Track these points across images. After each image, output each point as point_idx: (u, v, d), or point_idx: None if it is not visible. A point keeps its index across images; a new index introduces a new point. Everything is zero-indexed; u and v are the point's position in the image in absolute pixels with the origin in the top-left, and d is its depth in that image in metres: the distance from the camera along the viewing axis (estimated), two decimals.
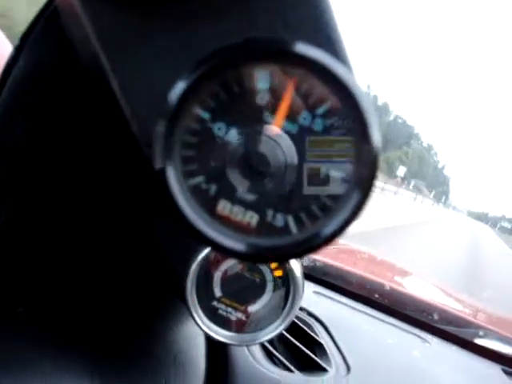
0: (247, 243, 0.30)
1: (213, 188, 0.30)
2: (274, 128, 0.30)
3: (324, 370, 0.72)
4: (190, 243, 0.51)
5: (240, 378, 0.63)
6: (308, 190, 0.30)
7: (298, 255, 0.31)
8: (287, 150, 0.30)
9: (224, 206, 0.30)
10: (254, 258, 0.31)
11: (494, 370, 1.03)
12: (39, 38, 0.44)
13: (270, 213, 0.30)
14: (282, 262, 0.35)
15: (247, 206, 0.30)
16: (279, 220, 0.30)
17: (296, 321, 0.82)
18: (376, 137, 0.29)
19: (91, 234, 0.54)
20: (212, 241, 0.30)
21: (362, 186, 0.29)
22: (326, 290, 1.10)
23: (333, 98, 0.29)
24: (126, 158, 0.43)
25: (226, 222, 0.30)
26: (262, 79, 0.29)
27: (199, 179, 0.30)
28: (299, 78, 0.29)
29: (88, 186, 0.50)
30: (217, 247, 0.30)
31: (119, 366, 0.54)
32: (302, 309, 0.88)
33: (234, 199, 0.30)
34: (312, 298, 1.03)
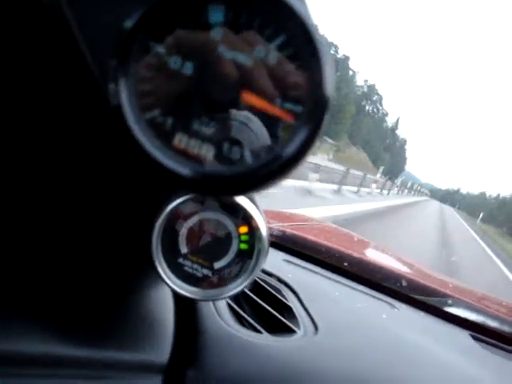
0: (195, 169, 0.30)
1: (169, 121, 0.30)
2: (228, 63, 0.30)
3: (292, 331, 0.73)
4: (154, 199, 0.51)
5: (208, 338, 0.64)
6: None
7: (251, 185, 0.32)
8: (242, 83, 0.30)
9: (180, 139, 0.30)
10: (202, 185, 0.31)
11: (462, 334, 1.06)
12: None
13: (226, 146, 0.31)
14: (236, 193, 0.35)
15: (203, 139, 0.31)
16: (235, 152, 0.31)
17: (265, 285, 0.83)
18: (328, 70, 0.30)
19: (56, 195, 0.54)
20: (162, 166, 0.30)
21: (313, 120, 0.30)
22: (296, 258, 1.11)
23: (287, 31, 0.30)
24: (85, 98, 0.43)
25: (182, 155, 0.30)
26: (215, 13, 0.30)
27: (155, 113, 0.30)
28: (253, 11, 0.30)
29: (50, 140, 0.50)
30: (165, 172, 0.30)
31: (87, 329, 0.54)
32: (271, 275, 0.89)
33: (191, 132, 0.30)
34: (282, 266, 1.03)
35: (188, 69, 0.30)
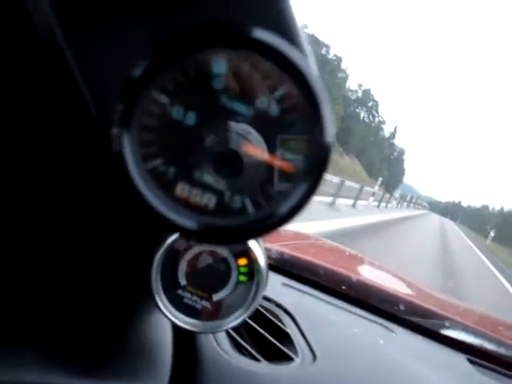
0: (199, 221, 0.31)
1: (171, 171, 0.31)
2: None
3: (290, 358, 0.73)
4: (154, 232, 0.51)
5: (207, 367, 0.64)
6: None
7: (253, 235, 0.32)
8: (244, 136, 0.31)
9: (182, 188, 0.31)
10: (206, 236, 0.31)
11: (460, 359, 1.05)
12: None
13: (227, 194, 0.31)
14: (238, 242, 0.36)
15: (205, 188, 0.31)
16: (237, 201, 0.31)
17: (264, 311, 0.83)
18: (329, 127, 0.30)
19: (53, 223, 0.54)
20: (165, 218, 0.30)
21: (313, 174, 0.30)
22: (294, 281, 1.10)
23: (288, 83, 0.30)
24: (86, 143, 0.43)
25: (184, 204, 0.31)
26: (218, 64, 0.30)
27: (157, 162, 0.31)
28: (255, 63, 0.30)
29: (46, 174, 0.50)
30: (169, 224, 0.30)
31: (86, 358, 0.54)
32: (269, 300, 0.89)
33: (193, 181, 0.31)
34: (280, 290, 1.03)
35: (190, 119, 0.30)
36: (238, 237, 0.32)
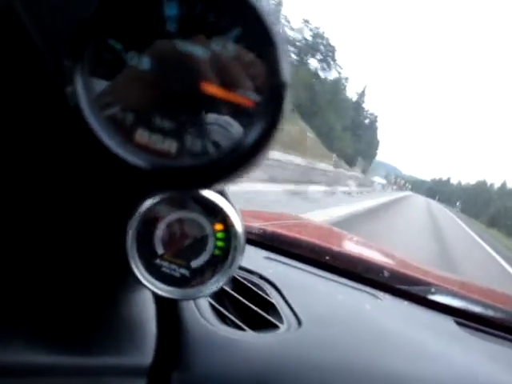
0: (156, 163, 0.30)
1: (130, 117, 0.30)
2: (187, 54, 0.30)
3: (276, 326, 0.74)
4: (128, 201, 0.51)
5: (191, 339, 0.64)
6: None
7: (214, 176, 0.32)
8: (201, 76, 0.30)
9: (142, 134, 0.31)
10: (164, 178, 0.31)
11: (447, 321, 1.06)
12: None
13: (189, 138, 0.31)
14: (201, 185, 0.35)
15: (165, 133, 0.31)
16: (198, 144, 0.31)
17: (247, 283, 0.83)
18: (285, 65, 0.30)
19: (25, 200, 0.54)
20: (121, 160, 0.30)
21: (272, 107, 0.30)
22: (277, 255, 1.11)
23: (242, 23, 0.30)
24: (45, 98, 0.43)
25: (145, 150, 0.31)
26: (170, 6, 0.30)
27: (115, 109, 0.30)
28: (208, 4, 0.30)
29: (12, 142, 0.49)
30: (125, 166, 0.30)
31: (68, 336, 0.54)
32: (252, 272, 0.89)
33: (152, 127, 0.31)
34: (263, 263, 1.03)
35: (145, 64, 0.30)
36: (198, 180, 0.32)
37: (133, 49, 0.30)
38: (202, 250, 0.53)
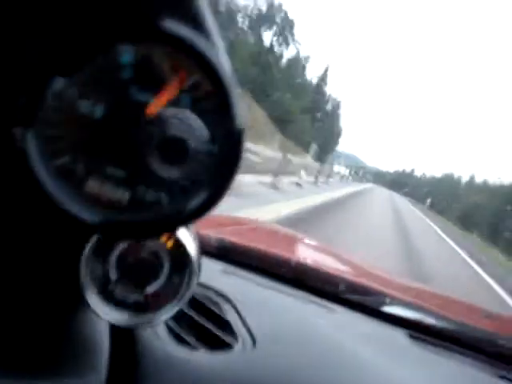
0: (105, 216, 0.30)
1: (81, 167, 0.30)
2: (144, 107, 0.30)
3: (230, 346, 0.74)
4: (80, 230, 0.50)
5: (145, 359, 0.63)
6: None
7: (167, 228, 0.31)
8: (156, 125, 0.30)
9: (93, 184, 0.30)
10: (113, 231, 0.31)
11: (400, 334, 1.07)
12: None
13: (141, 188, 0.30)
14: (152, 236, 0.35)
15: (118, 183, 0.30)
16: (151, 195, 0.30)
17: (202, 300, 0.83)
18: (238, 115, 0.30)
19: None
20: (70, 214, 0.29)
21: (228, 162, 0.30)
22: (234, 268, 1.10)
23: (196, 73, 0.30)
24: None
25: (96, 200, 0.30)
26: (126, 54, 0.29)
27: (66, 159, 0.29)
28: (163, 53, 0.29)
29: None
30: (74, 220, 0.29)
31: (18, 359, 0.52)
32: (209, 288, 0.89)
33: (104, 177, 0.30)
34: (220, 277, 1.03)
35: (98, 112, 0.29)
36: (150, 231, 0.32)
37: (85, 96, 0.29)
38: (157, 276, 0.53)
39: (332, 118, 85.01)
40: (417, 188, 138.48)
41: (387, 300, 1.16)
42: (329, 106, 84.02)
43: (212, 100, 0.30)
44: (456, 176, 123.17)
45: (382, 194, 57.58)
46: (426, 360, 1.00)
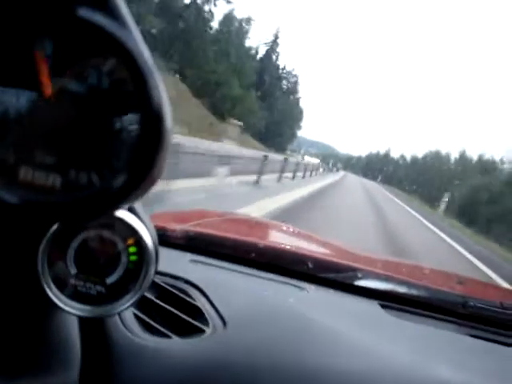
0: (24, 196, 0.31)
1: (11, 157, 0.31)
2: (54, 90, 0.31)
3: (202, 330, 0.75)
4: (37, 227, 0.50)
5: (116, 352, 0.64)
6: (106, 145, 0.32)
7: (95, 208, 0.33)
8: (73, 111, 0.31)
9: (26, 173, 0.31)
10: (36, 212, 0.31)
11: (371, 306, 1.09)
12: None
13: (72, 172, 0.31)
14: (91, 216, 0.36)
15: (49, 168, 0.31)
16: (82, 178, 0.31)
17: (171, 289, 0.84)
18: (158, 100, 0.31)
19: None
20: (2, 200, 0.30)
21: (149, 145, 0.31)
22: (203, 257, 1.11)
23: (113, 58, 0.31)
24: None
25: (30, 188, 0.31)
26: (45, 43, 0.30)
27: None
28: (80, 41, 0.31)
29: None
30: (6, 206, 0.30)
31: None
32: (177, 278, 0.90)
33: (35, 164, 0.31)
34: (188, 267, 1.03)
35: (23, 101, 0.30)
36: (85, 212, 0.33)
37: (10, 86, 0.30)
38: (116, 266, 0.54)
39: (287, 95, 73.19)
40: (397, 172, 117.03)
41: (357, 274, 1.17)
42: (284, 83, 72.81)
43: (130, 83, 0.31)
44: (444, 153, 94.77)
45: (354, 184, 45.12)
46: (400, 327, 1.02)
